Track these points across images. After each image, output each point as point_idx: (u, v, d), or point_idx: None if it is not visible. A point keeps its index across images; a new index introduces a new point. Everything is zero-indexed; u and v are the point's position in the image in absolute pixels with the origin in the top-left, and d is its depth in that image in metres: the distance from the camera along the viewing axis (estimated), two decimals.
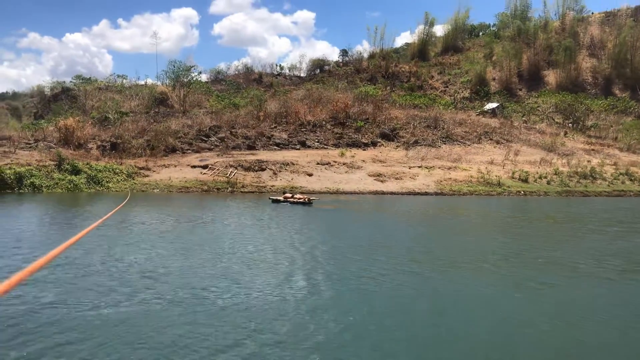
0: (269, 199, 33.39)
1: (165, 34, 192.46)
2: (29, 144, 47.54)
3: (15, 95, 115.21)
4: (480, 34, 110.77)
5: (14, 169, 37.78)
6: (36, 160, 41.63)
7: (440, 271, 14.10)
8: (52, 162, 40.76)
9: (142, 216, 24.25)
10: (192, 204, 32.16)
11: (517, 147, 58.15)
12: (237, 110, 64.19)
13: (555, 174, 49.24)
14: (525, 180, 47.30)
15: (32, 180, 37.38)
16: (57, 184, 38.25)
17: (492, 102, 77.59)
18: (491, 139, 61.17)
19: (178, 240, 17.77)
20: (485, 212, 32.55)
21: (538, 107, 76.70)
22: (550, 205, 36.72)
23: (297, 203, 31.20)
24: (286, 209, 28.70)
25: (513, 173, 48.54)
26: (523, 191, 44.86)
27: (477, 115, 71.06)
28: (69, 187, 38.13)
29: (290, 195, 32.81)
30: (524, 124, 68.78)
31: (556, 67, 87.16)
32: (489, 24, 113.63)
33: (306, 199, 31.52)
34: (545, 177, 48.24)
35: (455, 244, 19.07)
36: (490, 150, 57.58)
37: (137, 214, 25.02)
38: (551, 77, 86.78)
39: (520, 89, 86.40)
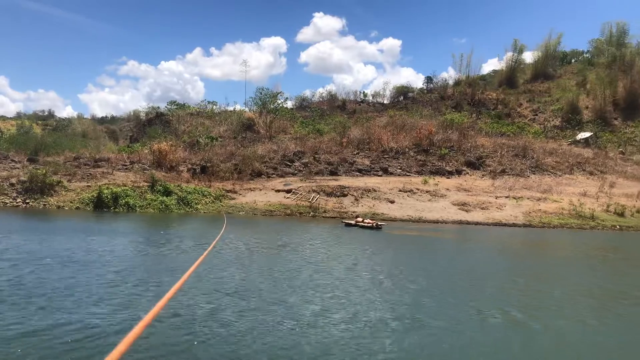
0: (342, 222, 35.79)
1: (255, 62, 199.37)
2: (125, 165, 50.25)
3: (113, 119, 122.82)
4: (573, 60, 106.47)
5: (111, 188, 40.08)
6: (131, 181, 43.94)
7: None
8: (146, 183, 42.85)
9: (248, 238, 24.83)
10: (277, 227, 32.75)
11: (613, 178, 54.97)
12: (321, 137, 65.03)
13: None
14: (622, 214, 44.44)
15: (127, 199, 39.39)
16: (149, 204, 40.05)
17: (585, 131, 74.06)
18: (584, 170, 58.33)
19: (271, 261, 18.07)
20: (593, 246, 30.72)
21: (635, 137, 72.46)
22: None
23: (365, 227, 33.22)
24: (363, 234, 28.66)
25: (608, 206, 45.72)
26: (619, 225, 42.21)
27: (568, 144, 68.17)
28: (161, 207, 39.79)
29: (361, 219, 35.18)
30: (620, 155, 65.13)
31: None
32: (582, 50, 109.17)
33: (374, 224, 33.51)
34: None
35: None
36: (583, 181, 54.83)
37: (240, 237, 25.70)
38: None
39: (616, 118, 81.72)
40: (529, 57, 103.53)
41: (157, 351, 8.51)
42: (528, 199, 47.37)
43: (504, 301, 13.83)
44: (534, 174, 56.12)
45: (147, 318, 2.14)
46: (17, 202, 38.12)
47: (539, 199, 47.40)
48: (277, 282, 14.77)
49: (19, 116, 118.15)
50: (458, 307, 12.77)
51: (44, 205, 38.24)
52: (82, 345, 8.74)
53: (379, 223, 34.18)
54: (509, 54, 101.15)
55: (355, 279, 15.81)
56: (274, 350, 8.98)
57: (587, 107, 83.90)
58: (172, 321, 10.23)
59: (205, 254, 4.43)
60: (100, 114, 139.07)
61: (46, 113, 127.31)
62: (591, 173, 57.55)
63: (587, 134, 71.96)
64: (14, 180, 40.61)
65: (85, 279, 13.99)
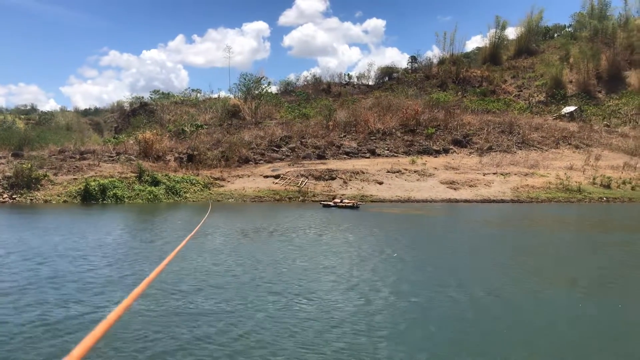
0: (320, 203, 36.58)
1: (238, 47, 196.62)
2: (111, 156, 49.72)
3: (97, 111, 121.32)
4: (555, 35, 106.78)
5: (98, 180, 39.75)
6: (118, 172, 43.54)
7: None
8: (133, 174, 42.53)
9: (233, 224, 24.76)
10: (266, 212, 32.70)
11: (598, 151, 55.47)
12: (307, 121, 64.79)
13: None
14: (608, 186, 44.99)
15: (114, 191, 39.06)
16: (137, 194, 39.78)
17: (569, 105, 74.58)
18: (570, 144, 58.77)
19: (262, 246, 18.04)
20: (593, 219, 31.04)
21: (620, 109, 73.05)
22: None
23: (345, 207, 33.86)
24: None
25: (594, 179, 46.29)
26: (605, 197, 42.69)
27: (554, 119, 68.58)
28: (149, 197, 39.56)
29: (339, 200, 35.90)
30: (605, 128, 65.66)
31: (639, 66, 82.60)
32: (565, 24, 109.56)
33: (354, 203, 34.40)
34: (630, 183, 45.68)
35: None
36: (569, 155, 55.28)
37: (222, 221, 25.59)
38: (633, 77, 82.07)
39: (600, 91, 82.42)
40: (512, 33, 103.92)
41: (135, 341, 8.39)
42: (515, 174, 47.71)
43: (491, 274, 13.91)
44: (520, 149, 56.43)
45: (123, 304, 2.06)
46: (3, 198, 37.68)
47: (526, 174, 47.76)
48: (258, 262, 14.75)
49: (0, 111, 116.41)
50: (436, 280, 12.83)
51: (31, 200, 37.89)
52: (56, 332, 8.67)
53: (357, 203, 35.11)
54: (492, 31, 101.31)
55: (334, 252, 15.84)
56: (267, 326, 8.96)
57: (571, 82, 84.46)
58: (151, 306, 10.15)
59: (183, 243, 4.35)
60: (83, 106, 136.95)
61: (28, 107, 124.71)
62: (577, 147, 58.00)
63: (571, 108, 72.44)
64: None
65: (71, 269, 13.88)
